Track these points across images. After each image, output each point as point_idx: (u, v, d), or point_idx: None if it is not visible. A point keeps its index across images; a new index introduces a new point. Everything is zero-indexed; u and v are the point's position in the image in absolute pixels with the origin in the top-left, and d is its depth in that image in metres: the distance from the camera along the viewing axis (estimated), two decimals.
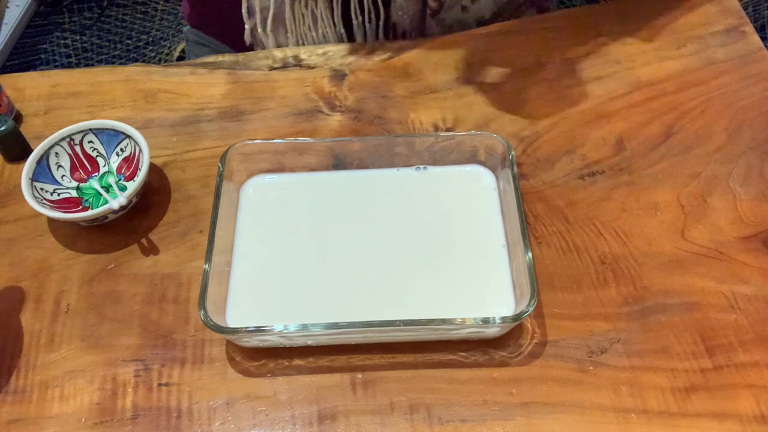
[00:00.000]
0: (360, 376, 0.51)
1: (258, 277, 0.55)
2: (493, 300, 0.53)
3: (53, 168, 0.61)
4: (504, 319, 0.48)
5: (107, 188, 0.61)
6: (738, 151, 0.62)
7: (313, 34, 0.74)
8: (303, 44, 0.74)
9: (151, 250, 0.58)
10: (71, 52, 1.89)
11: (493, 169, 0.60)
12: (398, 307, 0.53)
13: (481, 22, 0.76)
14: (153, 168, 0.63)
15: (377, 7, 0.73)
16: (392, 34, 0.75)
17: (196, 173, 0.63)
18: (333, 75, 0.70)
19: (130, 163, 0.61)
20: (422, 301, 0.53)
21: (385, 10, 0.73)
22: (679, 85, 0.67)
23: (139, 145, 0.60)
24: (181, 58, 1.56)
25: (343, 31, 0.74)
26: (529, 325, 0.52)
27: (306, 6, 0.72)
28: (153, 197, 0.61)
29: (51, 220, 0.60)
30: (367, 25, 0.74)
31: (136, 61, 1.78)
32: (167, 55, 1.80)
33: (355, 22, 0.73)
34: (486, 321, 0.48)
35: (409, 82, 0.69)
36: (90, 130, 0.62)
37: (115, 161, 0.62)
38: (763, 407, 0.48)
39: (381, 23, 0.74)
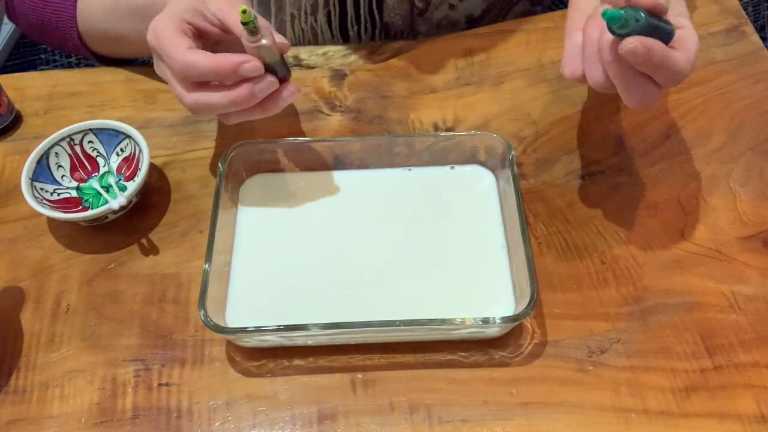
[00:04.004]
0: (360, 376, 0.51)
1: (258, 277, 0.55)
2: (493, 300, 0.53)
3: (53, 168, 0.61)
4: (504, 319, 0.48)
5: (107, 188, 0.61)
6: (738, 151, 0.62)
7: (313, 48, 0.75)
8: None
9: (151, 250, 0.58)
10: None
11: (493, 169, 0.60)
12: (398, 307, 0.53)
13: (471, 20, 0.76)
14: (153, 168, 0.63)
15: (372, 14, 0.74)
16: (384, 35, 0.76)
17: (196, 173, 0.63)
18: (333, 75, 0.70)
19: (130, 163, 0.61)
20: (422, 301, 0.53)
21: (380, 15, 0.74)
22: (679, 85, 0.67)
23: (139, 145, 0.60)
24: None
25: (341, 41, 0.75)
26: (529, 325, 0.52)
27: (306, 21, 0.74)
28: (153, 197, 0.61)
29: (51, 220, 0.60)
30: (362, 34, 0.75)
31: (137, 60, 1.78)
32: None
33: (351, 32, 0.75)
34: (486, 321, 0.48)
35: (409, 82, 0.69)
36: (90, 130, 0.62)
37: (115, 161, 0.62)
38: (763, 407, 0.48)
39: (377, 30, 0.75)
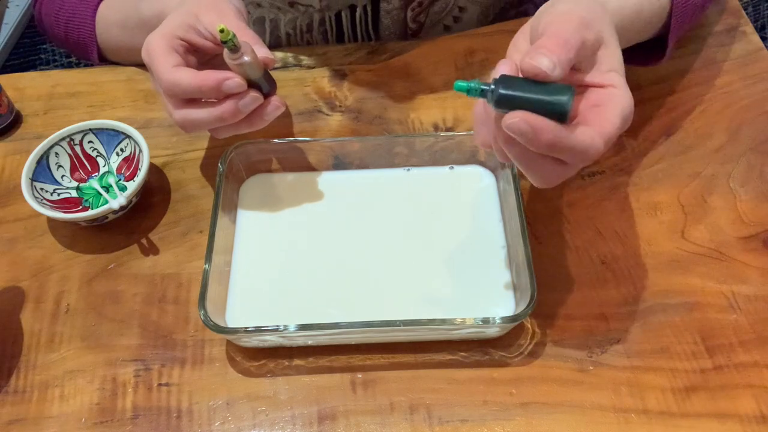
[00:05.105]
0: (360, 376, 0.51)
1: (258, 277, 0.55)
2: (493, 300, 0.53)
3: (53, 168, 0.61)
4: (504, 319, 0.48)
5: (107, 188, 0.61)
6: (738, 151, 0.62)
7: None
8: None
9: (151, 250, 0.58)
10: None
11: (493, 169, 0.60)
12: (398, 307, 0.53)
13: None
14: (153, 168, 0.63)
15: (369, 34, 0.74)
16: None
17: (196, 173, 0.63)
18: (333, 75, 0.70)
19: (130, 163, 0.61)
20: (422, 301, 0.53)
21: (375, 35, 0.75)
22: (679, 85, 0.67)
23: (139, 145, 0.60)
24: None
25: None
26: (529, 325, 0.52)
27: (302, 39, 0.74)
28: (153, 197, 0.61)
29: (51, 220, 0.60)
30: None
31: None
32: None
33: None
34: (486, 321, 0.48)
35: (409, 82, 0.69)
36: (90, 130, 0.62)
37: (115, 161, 0.62)
38: (763, 407, 0.48)
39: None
